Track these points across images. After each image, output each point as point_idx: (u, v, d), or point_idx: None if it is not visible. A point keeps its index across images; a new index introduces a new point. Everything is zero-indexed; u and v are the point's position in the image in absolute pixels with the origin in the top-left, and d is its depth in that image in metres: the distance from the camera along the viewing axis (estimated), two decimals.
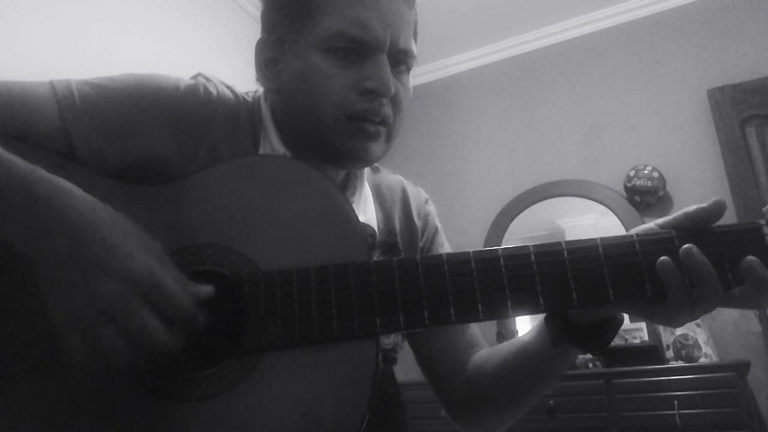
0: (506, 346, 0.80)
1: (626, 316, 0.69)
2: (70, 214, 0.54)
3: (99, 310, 0.51)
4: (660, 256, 0.58)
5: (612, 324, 0.68)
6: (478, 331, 0.89)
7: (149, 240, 0.57)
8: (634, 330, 2.82)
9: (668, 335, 2.59)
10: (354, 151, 0.75)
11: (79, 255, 0.53)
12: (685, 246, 0.58)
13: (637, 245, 0.59)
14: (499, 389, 0.80)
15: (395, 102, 0.76)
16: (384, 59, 0.73)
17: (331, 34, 0.72)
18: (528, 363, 0.76)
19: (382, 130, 0.75)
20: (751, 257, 0.57)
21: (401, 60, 0.77)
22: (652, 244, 0.59)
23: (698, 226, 0.60)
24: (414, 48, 0.78)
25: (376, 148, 0.76)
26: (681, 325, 0.61)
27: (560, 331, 0.68)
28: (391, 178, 0.95)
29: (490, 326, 2.98)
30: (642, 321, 2.61)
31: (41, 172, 0.55)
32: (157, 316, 0.52)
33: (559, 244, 0.60)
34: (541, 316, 0.72)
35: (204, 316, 0.57)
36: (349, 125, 0.73)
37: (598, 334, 0.68)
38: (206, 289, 0.58)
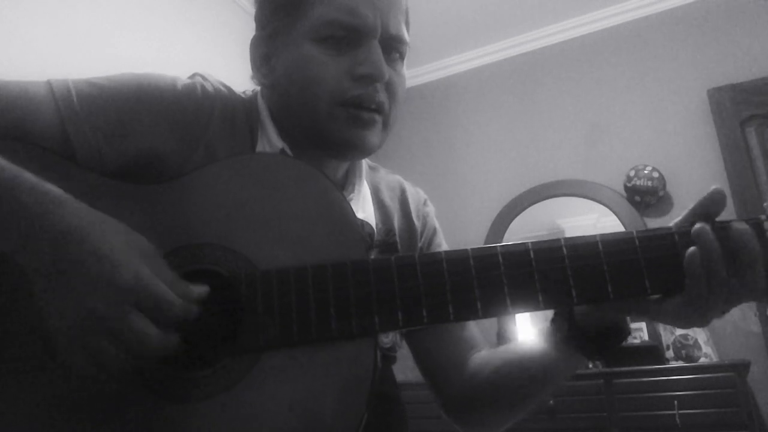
0: (509, 348, 0.81)
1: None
2: (57, 224, 0.53)
3: (91, 322, 0.52)
4: (659, 252, 0.58)
5: (619, 333, 0.68)
6: (478, 331, 0.88)
7: (139, 242, 0.57)
8: (634, 330, 2.81)
9: (668, 335, 2.58)
10: (350, 139, 0.74)
11: (66, 267, 0.53)
12: (697, 226, 0.57)
13: (636, 242, 0.59)
14: (498, 391, 0.80)
15: (390, 89, 0.76)
16: (376, 45, 0.73)
17: (322, 23, 0.73)
18: (529, 367, 0.76)
19: (378, 117, 0.75)
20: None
21: (394, 47, 0.77)
22: (651, 240, 0.59)
23: (702, 219, 0.60)
24: (406, 35, 0.78)
25: (372, 136, 0.75)
26: (699, 324, 0.59)
27: (567, 334, 0.68)
28: (391, 178, 0.94)
29: (491, 325, 2.98)
30: (647, 321, 2.60)
31: (28, 178, 0.55)
32: (149, 320, 0.53)
33: (558, 240, 0.60)
34: (547, 319, 0.72)
35: (197, 309, 0.57)
36: (343, 113, 0.73)
37: (603, 341, 0.68)
38: (199, 290, 0.58)
